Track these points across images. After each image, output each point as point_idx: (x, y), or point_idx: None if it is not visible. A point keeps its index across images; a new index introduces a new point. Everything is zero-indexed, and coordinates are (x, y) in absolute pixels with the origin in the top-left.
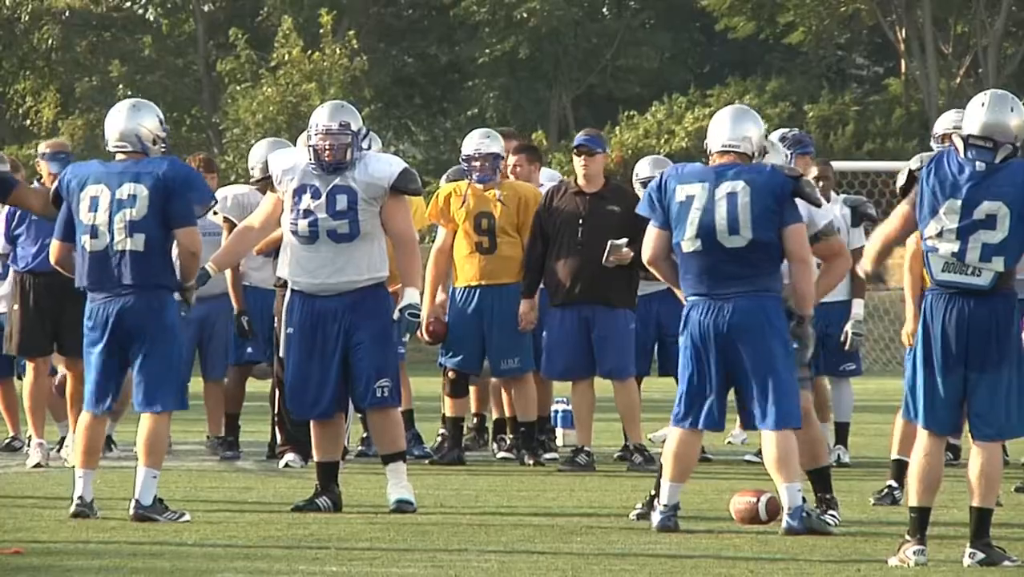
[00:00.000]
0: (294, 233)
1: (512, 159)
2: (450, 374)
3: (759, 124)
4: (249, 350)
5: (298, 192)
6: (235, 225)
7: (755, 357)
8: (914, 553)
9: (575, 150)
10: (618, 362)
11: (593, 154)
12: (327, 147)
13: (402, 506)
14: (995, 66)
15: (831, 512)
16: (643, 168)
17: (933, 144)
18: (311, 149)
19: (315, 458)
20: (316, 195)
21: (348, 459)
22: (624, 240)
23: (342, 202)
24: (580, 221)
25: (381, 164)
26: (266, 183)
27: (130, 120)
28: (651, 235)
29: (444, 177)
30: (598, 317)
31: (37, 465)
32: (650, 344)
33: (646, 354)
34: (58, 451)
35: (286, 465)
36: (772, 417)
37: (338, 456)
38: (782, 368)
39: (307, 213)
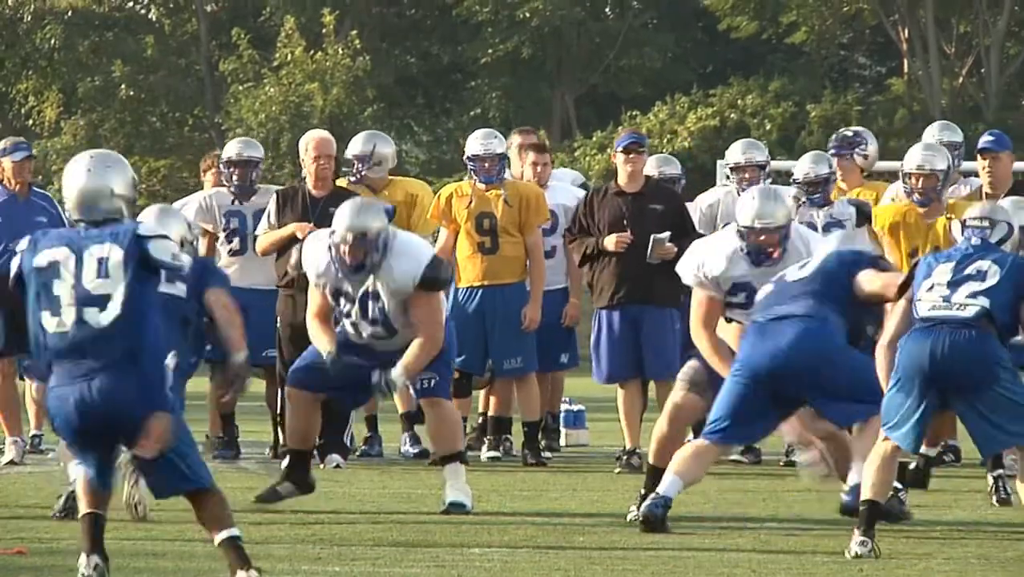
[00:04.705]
0: (339, 323)
1: (532, 155)
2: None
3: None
4: (208, 348)
5: (334, 296)
6: (208, 232)
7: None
8: (858, 545)
9: (623, 149)
10: (665, 363)
11: (641, 152)
12: (346, 253)
13: (453, 509)
14: (997, 66)
15: None
16: (648, 167)
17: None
18: (334, 249)
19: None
20: (350, 300)
21: (351, 459)
22: (666, 234)
23: (374, 311)
24: (625, 222)
25: (403, 264)
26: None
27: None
28: None
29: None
30: (645, 318)
31: (11, 463)
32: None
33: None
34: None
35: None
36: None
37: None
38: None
39: (347, 315)
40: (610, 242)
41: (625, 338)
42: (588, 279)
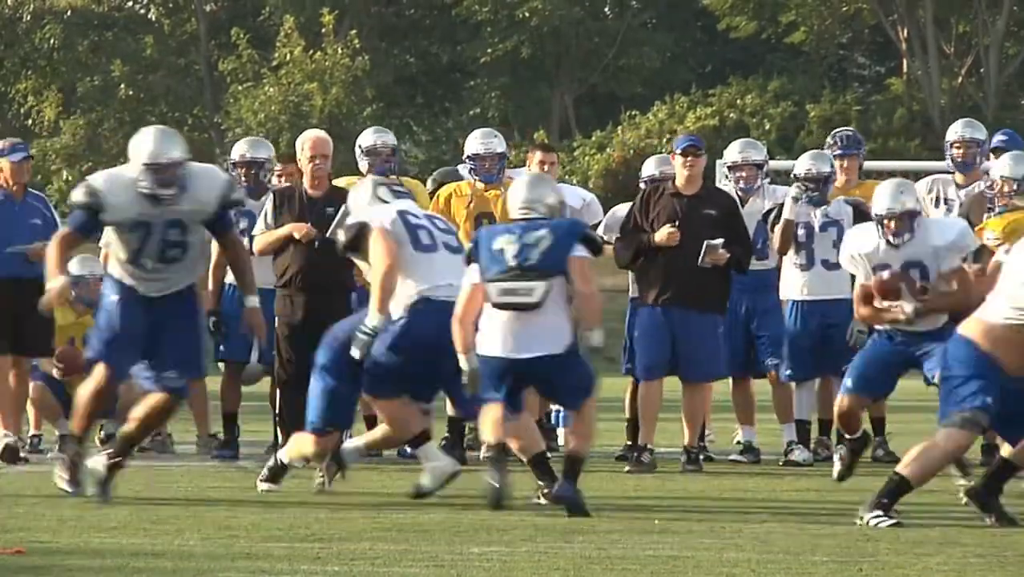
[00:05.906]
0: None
1: (539, 155)
2: None
3: None
4: (221, 348)
5: None
6: None
7: None
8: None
9: (681, 152)
10: (701, 368)
11: (699, 155)
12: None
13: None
14: (997, 66)
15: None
16: (648, 167)
17: (947, 153)
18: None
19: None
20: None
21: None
22: (720, 240)
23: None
24: (677, 224)
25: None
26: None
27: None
28: None
29: (431, 180)
30: (688, 321)
31: None
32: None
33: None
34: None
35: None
36: None
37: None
38: None
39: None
40: (660, 235)
41: (664, 336)
42: (636, 276)
